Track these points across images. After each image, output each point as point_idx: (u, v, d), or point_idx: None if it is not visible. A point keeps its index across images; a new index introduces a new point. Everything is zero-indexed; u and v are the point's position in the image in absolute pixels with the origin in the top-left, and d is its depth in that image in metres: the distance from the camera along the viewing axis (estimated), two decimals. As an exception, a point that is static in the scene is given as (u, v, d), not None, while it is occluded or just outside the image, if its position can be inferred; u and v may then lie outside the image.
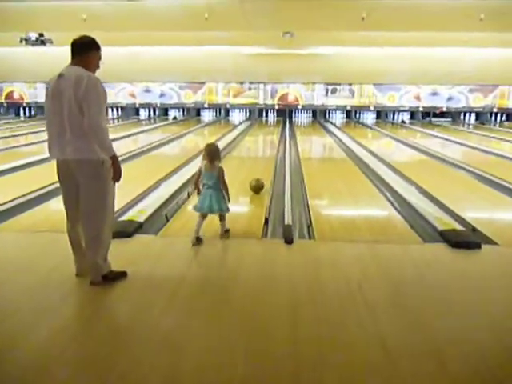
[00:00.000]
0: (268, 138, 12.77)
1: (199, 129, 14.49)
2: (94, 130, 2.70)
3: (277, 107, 17.75)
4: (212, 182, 3.74)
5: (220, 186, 3.76)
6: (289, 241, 3.82)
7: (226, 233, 3.94)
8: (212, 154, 3.75)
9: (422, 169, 7.92)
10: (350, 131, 13.81)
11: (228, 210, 3.83)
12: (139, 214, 4.52)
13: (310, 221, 4.49)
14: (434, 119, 17.88)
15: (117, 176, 2.86)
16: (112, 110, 18.84)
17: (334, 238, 4.04)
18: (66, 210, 2.98)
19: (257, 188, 5.38)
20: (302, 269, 3.35)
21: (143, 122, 16.79)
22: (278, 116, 18.28)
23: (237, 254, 3.67)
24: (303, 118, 18.20)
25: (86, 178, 2.80)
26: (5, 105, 18.49)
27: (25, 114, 18.60)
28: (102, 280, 2.92)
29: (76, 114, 2.71)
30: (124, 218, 4.35)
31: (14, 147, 9.78)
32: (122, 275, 3.04)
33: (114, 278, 2.97)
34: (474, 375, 2.15)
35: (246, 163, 8.06)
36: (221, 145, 10.00)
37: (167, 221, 4.44)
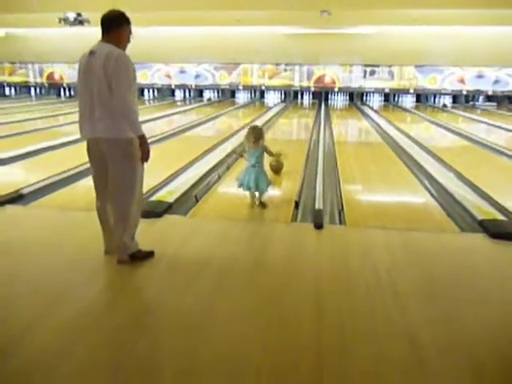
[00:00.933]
0: (302, 121, 12.56)
1: (233, 110, 14.43)
2: (122, 108, 2.68)
3: (312, 89, 17.38)
4: (254, 161, 4.04)
5: (262, 166, 4.11)
6: (318, 226, 3.73)
7: (260, 204, 4.17)
8: (256, 133, 4.07)
9: (462, 155, 7.56)
10: (387, 115, 13.36)
11: (266, 190, 4.13)
12: (169, 195, 4.52)
13: (342, 206, 4.36)
14: (478, 103, 16.99)
15: (145, 156, 2.83)
16: (148, 91, 19.06)
17: (366, 224, 3.90)
18: (95, 189, 3.00)
19: (277, 168, 5.29)
20: (330, 255, 3.26)
21: (178, 103, 16.90)
22: (313, 98, 17.90)
23: (265, 237, 3.62)
24: (339, 101, 17.74)
25: (115, 157, 2.81)
26: (46, 85, 19.07)
27: (65, 94, 19.12)
28: (129, 259, 2.93)
29: (105, 92, 2.70)
30: (153, 198, 4.36)
31: (54, 127, 10.07)
32: (149, 255, 3.04)
33: (141, 257, 2.98)
34: (508, 371, 2.02)
35: (280, 146, 7.88)
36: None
37: (197, 202, 4.44)
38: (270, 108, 15.10)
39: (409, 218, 4.11)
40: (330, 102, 17.52)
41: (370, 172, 5.97)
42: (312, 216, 4.02)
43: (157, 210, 3.98)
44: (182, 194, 4.63)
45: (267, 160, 5.43)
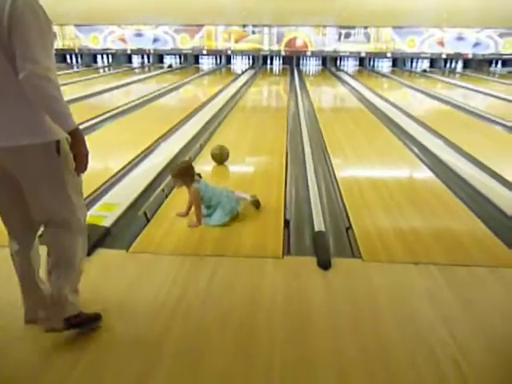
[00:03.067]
0: (275, 89, 11.93)
1: (198, 78, 13.59)
2: (40, 89, 1.64)
3: (283, 54, 16.67)
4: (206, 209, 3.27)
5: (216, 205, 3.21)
6: (324, 264, 2.64)
7: (255, 203, 3.43)
8: (173, 172, 3.19)
9: (446, 121, 7.27)
10: (364, 80, 12.93)
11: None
12: (107, 209, 3.40)
13: (349, 221, 3.29)
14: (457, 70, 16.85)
15: (83, 163, 1.85)
16: (102, 57, 17.78)
17: (382, 235, 3.06)
18: (5, 226, 1.98)
19: (221, 157, 4.53)
20: (351, 317, 2.22)
21: (136, 71, 15.80)
22: (284, 64, 17.23)
23: (248, 284, 2.49)
24: (312, 66, 17.16)
25: (32, 177, 1.78)
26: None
27: None
28: (63, 324, 1.93)
29: (1, 66, 1.65)
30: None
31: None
32: (94, 321, 2.05)
33: (81, 323, 1.98)
34: None
35: (254, 119, 7.35)
36: (223, 98, 9.30)
37: (147, 221, 3.26)
38: (238, 75, 14.34)
39: (416, 202, 3.68)
40: (302, 67, 16.91)
41: (364, 149, 5.54)
42: (312, 242, 2.96)
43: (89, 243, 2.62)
44: (128, 208, 3.45)
45: (257, 140, 5.04)
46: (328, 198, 3.86)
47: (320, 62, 17.18)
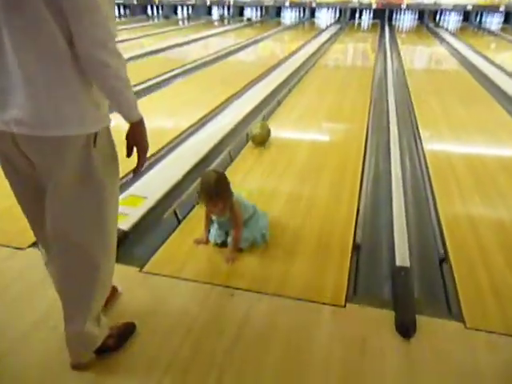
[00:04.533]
0: (362, 47, 11.25)
1: (278, 33, 13.18)
2: (102, 74, 1.30)
3: (374, 7, 15.60)
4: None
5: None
6: (406, 330, 1.87)
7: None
8: (210, 193, 2.17)
9: None
10: (468, 39, 11.74)
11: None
12: (132, 203, 2.82)
13: (443, 244, 2.50)
14: None
15: (141, 162, 1.54)
16: (182, 9, 17.91)
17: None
18: (32, 229, 1.65)
19: (262, 139, 3.90)
20: None
21: (215, 24, 15.72)
22: (374, 18, 16.16)
23: (287, 341, 1.84)
24: (406, 21, 15.93)
25: (64, 175, 1.40)
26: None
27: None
28: (93, 356, 1.70)
29: (45, 28, 1.22)
30: None
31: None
32: (128, 335, 1.84)
33: (114, 345, 1.76)
34: None
35: (334, 81, 6.97)
36: (303, 55, 8.94)
37: (178, 223, 2.71)
38: (322, 30, 13.70)
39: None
40: (394, 22, 15.77)
41: (462, 121, 5.02)
42: (391, 283, 2.17)
43: None
44: (157, 204, 2.85)
45: (336, 105, 4.66)
46: (414, 191, 3.19)
47: (416, 16, 15.88)
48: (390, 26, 14.77)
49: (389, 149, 3.92)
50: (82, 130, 1.35)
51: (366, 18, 16.39)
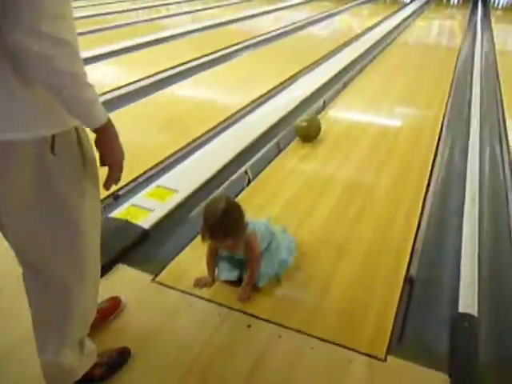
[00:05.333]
0: (449, 24, 10.12)
1: (356, 7, 12.25)
2: (22, 48, 0.91)
3: (467, -21, 14.00)
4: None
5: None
6: None
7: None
8: (215, 229, 1.67)
9: None
10: None
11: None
12: (158, 197, 2.48)
13: None
14: None
15: (114, 176, 1.22)
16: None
17: None
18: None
19: (307, 136, 3.30)
20: None
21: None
22: (465, -7, 14.56)
23: None
24: (503, -2, 14.19)
25: (24, 192, 1.10)
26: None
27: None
28: None
29: None
30: (118, 211, 2.33)
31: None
32: (120, 363, 1.55)
33: (103, 375, 1.48)
34: None
35: (413, 60, 6.23)
36: (382, 30, 8.16)
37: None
38: (406, 4, 12.55)
39: None
40: (489, -2, 14.11)
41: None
42: (450, 336, 1.68)
43: (109, 252, 1.94)
44: (187, 199, 2.51)
45: (410, 92, 4.13)
46: (492, 206, 2.58)
47: (516, -8, 14.07)
48: (484, 1, 13.21)
49: (466, 148, 3.32)
50: (27, 135, 1.02)
51: (457, -7, 14.80)
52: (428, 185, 2.76)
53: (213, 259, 1.90)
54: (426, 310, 1.85)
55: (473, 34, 8.16)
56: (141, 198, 2.48)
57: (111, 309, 1.73)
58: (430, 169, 2.95)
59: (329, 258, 2.11)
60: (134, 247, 2.12)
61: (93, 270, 1.34)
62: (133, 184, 2.70)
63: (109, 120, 1.12)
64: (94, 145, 1.17)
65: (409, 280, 1.95)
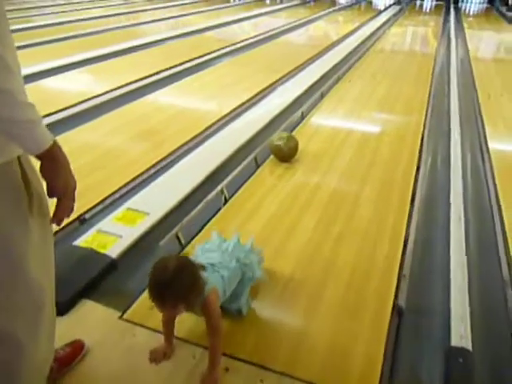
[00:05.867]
0: (423, 31, 10.18)
1: (333, 13, 12.25)
2: None
3: (439, -13, 14.23)
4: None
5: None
6: None
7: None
8: (163, 294, 1.33)
9: None
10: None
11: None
12: (128, 221, 2.27)
13: None
14: None
15: (64, 208, 1.06)
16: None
17: None
18: None
19: (285, 157, 3.05)
20: None
21: (267, 2, 14.91)
22: (438, 0, 14.77)
23: None
24: (474, 4, 14.45)
25: None
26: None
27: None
28: None
29: None
30: (82, 239, 2.11)
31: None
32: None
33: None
34: None
35: (391, 66, 6.18)
36: (358, 38, 8.13)
37: (182, 249, 2.16)
38: (380, 12, 12.62)
39: None
40: (461, 4, 14.34)
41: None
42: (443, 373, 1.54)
43: (67, 289, 1.75)
44: (160, 222, 2.33)
45: (392, 97, 4.03)
46: (479, 222, 2.48)
47: (486, -2, 14.37)
48: (456, 8, 13.42)
49: (448, 157, 3.24)
50: None
51: (429, 0, 15.01)
52: (412, 199, 2.64)
53: (169, 325, 1.57)
54: (416, 341, 1.71)
55: (447, 40, 8.20)
56: (109, 222, 2.29)
57: (72, 355, 1.53)
58: (413, 181, 2.84)
59: (313, 280, 1.96)
60: (100, 280, 1.93)
61: (49, 317, 1.17)
62: (101, 206, 2.50)
63: (54, 143, 0.97)
64: (39, 174, 1.00)
65: (397, 309, 1.80)
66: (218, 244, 1.75)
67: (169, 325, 1.57)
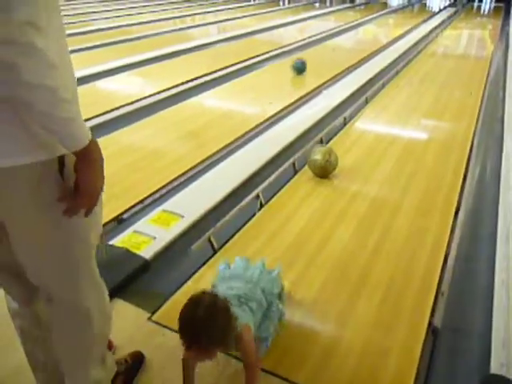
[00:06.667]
0: (479, 34, 9.73)
1: (383, 16, 11.96)
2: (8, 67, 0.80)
3: (499, -12, 13.56)
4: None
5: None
6: None
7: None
8: (194, 335, 1.24)
9: None
10: None
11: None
12: (162, 223, 2.30)
13: None
14: None
15: (89, 202, 1.05)
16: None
17: None
18: None
19: (325, 171, 2.84)
20: None
21: (316, 5, 14.80)
22: (497, 1, 14.07)
23: None
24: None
25: (16, 211, 1.02)
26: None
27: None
28: None
29: None
30: (118, 239, 2.16)
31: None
32: (136, 366, 1.57)
33: (125, 381, 1.49)
34: None
35: (442, 70, 5.94)
36: (409, 41, 7.88)
37: (214, 252, 2.16)
38: (434, 14, 12.19)
39: None
40: (522, 6, 13.58)
41: None
42: None
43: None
44: (194, 224, 2.32)
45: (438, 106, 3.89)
46: None
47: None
48: (517, 10, 12.72)
49: (499, 169, 3.05)
50: (24, 159, 0.94)
51: (488, 1, 14.34)
52: (457, 211, 2.51)
53: (190, 376, 1.41)
54: (451, 364, 1.61)
55: (505, 43, 7.78)
56: (144, 223, 2.33)
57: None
58: (458, 193, 2.70)
59: (346, 293, 1.90)
60: (133, 280, 1.96)
61: (97, 285, 1.26)
62: (139, 206, 2.55)
63: (92, 142, 0.98)
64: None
65: (433, 328, 1.71)
66: (242, 271, 1.63)
67: (188, 374, 1.41)
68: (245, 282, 1.55)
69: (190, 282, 1.96)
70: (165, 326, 1.73)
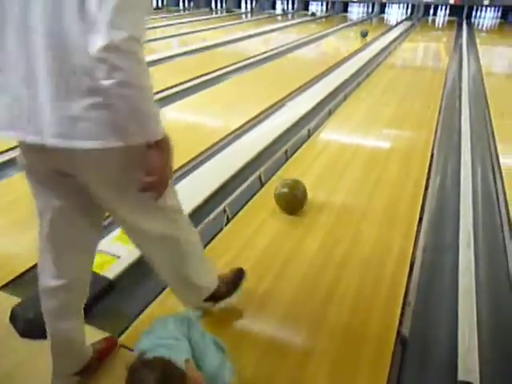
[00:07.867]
0: (435, 47, 10.15)
1: (343, 29, 12.29)
2: (116, 68, 1.01)
3: (452, 2, 14.22)
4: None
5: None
6: None
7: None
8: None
9: None
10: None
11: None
12: (125, 241, 2.09)
13: None
14: None
15: (159, 187, 1.23)
16: (246, 2, 17.39)
17: None
18: (44, 255, 1.39)
19: (294, 204, 2.59)
20: None
21: (278, 18, 15.05)
22: (450, 15, 14.77)
23: None
24: (487, 19, 14.40)
25: (119, 183, 1.24)
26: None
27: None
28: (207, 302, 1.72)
29: (73, 16, 1.03)
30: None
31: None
32: (239, 281, 1.84)
33: (224, 294, 1.77)
34: None
35: (401, 82, 6.15)
36: (369, 53, 8.13)
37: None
38: (391, 27, 12.64)
39: None
40: (473, 20, 14.30)
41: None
42: None
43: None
44: None
45: (400, 116, 3.98)
46: (488, 248, 2.37)
47: (499, 14, 14.30)
48: (469, 24, 13.38)
49: (458, 177, 3.17)
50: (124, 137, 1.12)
51: (442, 15, 15.02)
52: (420, 220, 2.58)
53: None
54: (421, 373, 1.64)
55: (459, 55, 8.15)
56: (109, 241, 2.26)
57: (108, 350, 1.66)
58: (421, 201, 2.78)
59: (315, 306, 1.91)
60: (96, 302, 1.90)
61: (185, 225, 1.63)
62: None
63: (165, 137, 1.18)
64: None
65: (401, 337, 1.74)
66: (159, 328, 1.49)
67: None
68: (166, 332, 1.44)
69: (156, 302, 1.91)
70: (131, 349, 1.68)
